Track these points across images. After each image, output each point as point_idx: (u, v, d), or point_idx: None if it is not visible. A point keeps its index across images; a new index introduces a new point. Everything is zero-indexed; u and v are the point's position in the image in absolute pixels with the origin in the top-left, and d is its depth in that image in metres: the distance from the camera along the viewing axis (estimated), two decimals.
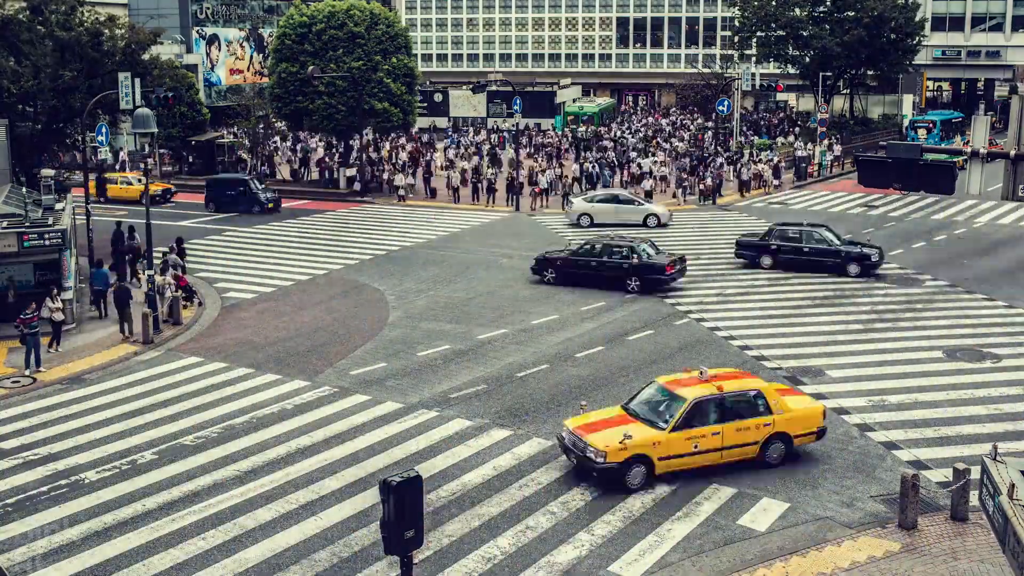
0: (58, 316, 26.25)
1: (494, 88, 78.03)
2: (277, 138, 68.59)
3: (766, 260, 34.94)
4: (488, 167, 55.34)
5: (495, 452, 19.65)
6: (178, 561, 15.59)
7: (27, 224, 28.29)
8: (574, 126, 79.47)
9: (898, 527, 16.28)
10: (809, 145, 63.22)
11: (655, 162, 56.19)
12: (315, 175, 58.78)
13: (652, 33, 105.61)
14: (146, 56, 41.54)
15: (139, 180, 52.16)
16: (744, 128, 78.35)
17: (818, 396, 22.31)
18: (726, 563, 15.43)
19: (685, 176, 52.64)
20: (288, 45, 52.60)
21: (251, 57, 72.37)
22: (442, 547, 15.88)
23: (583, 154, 61.03)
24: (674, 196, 51.43)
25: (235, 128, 63.42)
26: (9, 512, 17.22)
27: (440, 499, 17.51)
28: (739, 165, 55.81)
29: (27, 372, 24.37)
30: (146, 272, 28.89)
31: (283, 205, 49.34)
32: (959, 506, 16.66)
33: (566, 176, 53.31)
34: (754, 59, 77.51)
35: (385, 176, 54.68)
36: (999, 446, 16.37)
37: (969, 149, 21.17)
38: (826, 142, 62.22)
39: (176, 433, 20.77)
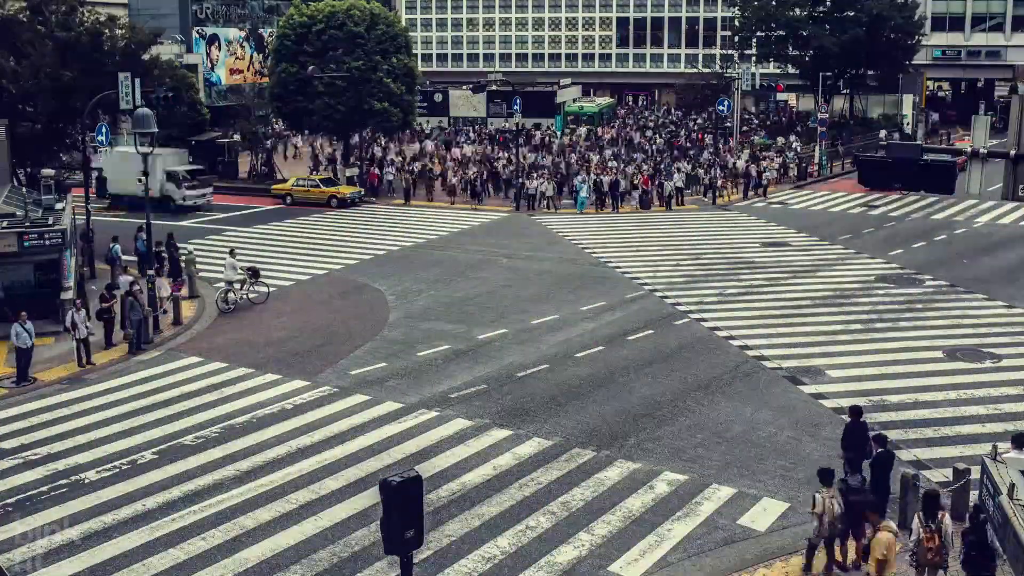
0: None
1: (494, 88, 77.91)
2: (289, 137, 68.56)
3: None
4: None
5: (495, 452, 19.64)
6: (178, 561, 15.59)
7: (27, 224, 28.28)
8: (572, 125, 79.38)
9: (899, 527, 16.25)
10: (811, 145, 63.17)
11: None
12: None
13: (652, 33, 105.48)
14: (146, 56, 41.54)
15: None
16: (754, 126, 78.36)
17: (818, 396, 22.35)
18: (726, 563, 15.43)
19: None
20: (288, 45, 52.54)
21: (251, 57, 72.24)
22: (442, 547, 15.87)
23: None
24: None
25: (235, 127, 63.27)
26: (9, 512, 17.22)
27: (440, 499, 17.50)
28: (737, 161, 55.82)
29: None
30: (147, 272, 28.86)
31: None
32: (959, 506, 16.65)
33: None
34: (754, 59, 77.47)
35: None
36: (999, 446, 16.44)
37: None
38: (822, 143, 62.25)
39: (176, 433, 20.77)
